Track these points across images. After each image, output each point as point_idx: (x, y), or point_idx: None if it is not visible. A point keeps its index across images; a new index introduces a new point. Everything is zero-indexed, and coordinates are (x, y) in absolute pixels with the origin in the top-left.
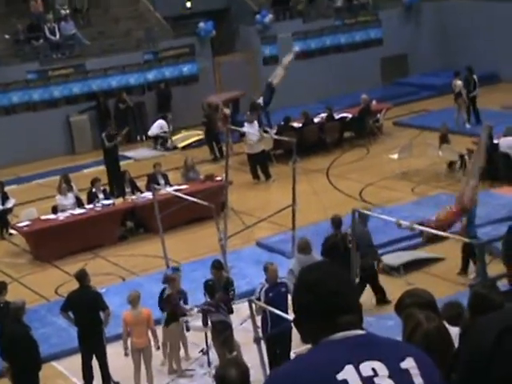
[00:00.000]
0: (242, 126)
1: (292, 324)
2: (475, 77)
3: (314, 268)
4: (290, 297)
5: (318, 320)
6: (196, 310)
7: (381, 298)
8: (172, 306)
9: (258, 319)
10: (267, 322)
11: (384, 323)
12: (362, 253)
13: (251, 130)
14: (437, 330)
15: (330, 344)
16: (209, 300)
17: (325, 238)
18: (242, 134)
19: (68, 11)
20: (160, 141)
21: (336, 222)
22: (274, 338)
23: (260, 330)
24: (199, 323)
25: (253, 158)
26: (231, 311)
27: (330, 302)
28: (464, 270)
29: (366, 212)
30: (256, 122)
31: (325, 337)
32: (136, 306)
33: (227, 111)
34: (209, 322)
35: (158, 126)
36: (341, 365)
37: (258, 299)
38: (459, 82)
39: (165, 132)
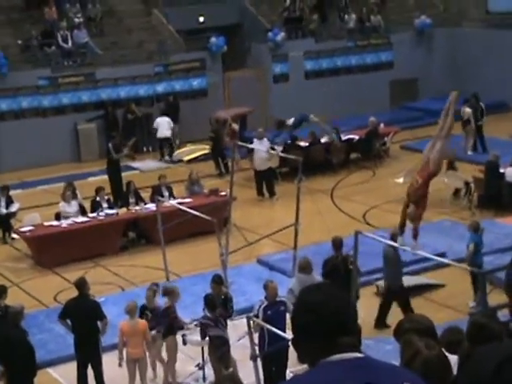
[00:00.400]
0: (250, 142)
1: (289, 343)
2: (482, 104)
3: (315, 289)
4: (288, 316)
5: (318, 340)
6: (194, 323)
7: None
8: (170, 319)
9: (256, 336)
10: (264, 340)
11: (382, 347)
12: (387, 274)
13: (261, 146)
14: (437, 357)
15: (328, 365)
16: (208, 314)
17: (325, 260)
18: (250, 150)
19: (81, 20)
20: (168, 150)
21: (337, 243)
22: (271, 356)
23: (257, 348)
24: (196, 337)
25: (260, 175)
26: (226, 326)
27: (330, 322)
28: None
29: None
30: (266, 139)
31: (323, 357)
32: (133, 317)
33: (235, 127)
34: (206, 337)
35: (167, 127)
36: None
37: (257, 316)
38: (468, 110)
39: (172, 130)
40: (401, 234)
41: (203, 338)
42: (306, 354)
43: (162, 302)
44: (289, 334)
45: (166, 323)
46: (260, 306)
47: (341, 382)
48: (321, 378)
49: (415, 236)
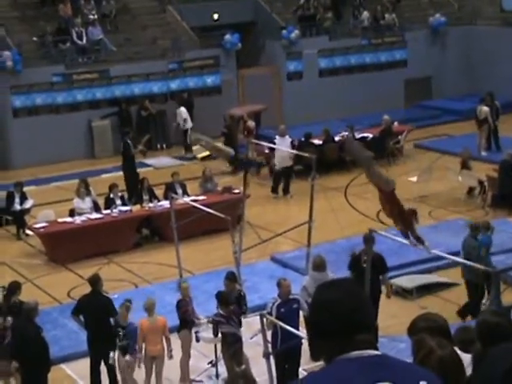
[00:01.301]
0: (264, 139)
1: (302, 340)
2: (497, 103)
3: (330, 286)
4: (301, 313)
5: (333, 338)
6: (206, 320)
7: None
8: (181, 313)
9: (269, 334)
10: (277, 338)
11: (396, 345)
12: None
13: (283, 143)
14: (450, 357)
15: (344, 362)
16: (220, 311)
17: (352, 254)
18: (271, 148)
19: (96, 16)
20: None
21: (365, 238)
22: (284, 354)
23: (270, 345)
24: (209, 334)
25: (279, 172)
26: (240, 324)
27: (345, 320)
28: None
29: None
30: (288, 136)
31: (339, 355)
32: (152, 314)
33: (252, 124)
34: (219, 334)
35: (180, 117)
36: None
37: (270, 314)
38: (485, 108)
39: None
40: (406, 237)
41: (215, 334)
42: (322, 351)
43: (175, 297)
44: (302, 332)
45: (178, 316)
46: (273, 304)
47: (356, 378)
48: (336, 374)
49: (421, 241)
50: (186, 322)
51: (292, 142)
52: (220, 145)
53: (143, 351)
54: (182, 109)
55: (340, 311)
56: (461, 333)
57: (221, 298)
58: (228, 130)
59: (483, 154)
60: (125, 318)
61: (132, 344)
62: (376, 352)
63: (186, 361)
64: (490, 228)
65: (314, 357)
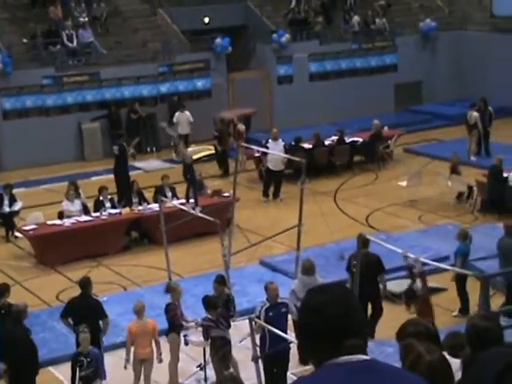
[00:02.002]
0: (254, 142)
1: (290, 344)
2: (491, 109)
3: (322, 290)
4: (290, 317)
5: (325, 342)
6: (195, 322)
7: None
8: (170, 316)
9: (258, 337)
10: (266, 341)
11: (384, 349)
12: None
13: (276, 147)
14: (439, 361)
15: (333, 367)
16: (208, 315)
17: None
18: (263, 152)
19: (87, 19)
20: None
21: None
22: (272, 358)
23: (258, 349)
24: (198, 338)
25: (272, 175)
26: (229, 326)
27: (336, 323)
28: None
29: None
30: (281, 140)
31: (329, 359)
32: (141, 317)
33: (242, 127)
34: (208, 338)
35: (187, 122)
36: None
37: (258, 317)
38: (475, 114)
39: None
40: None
41: (206, 338)
42: (312, 355)
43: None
44: (290, 336)
45: (167, 320)
46: (262, 308)
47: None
48: (325, 379)
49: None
50: (175, 325)
51: (284, 146)
52: (182, 148)
53: (132, 354)
54: (187, 113)
55: (329, 314)
56: (450, 338)
57: (208, 302)
58: (219, 134)
59: (472, 159)
60: (86, 346)
61: (101, 368)
62: (365, 357)
63: (175, 364)
64: (468, 237)
65: (304, 360)
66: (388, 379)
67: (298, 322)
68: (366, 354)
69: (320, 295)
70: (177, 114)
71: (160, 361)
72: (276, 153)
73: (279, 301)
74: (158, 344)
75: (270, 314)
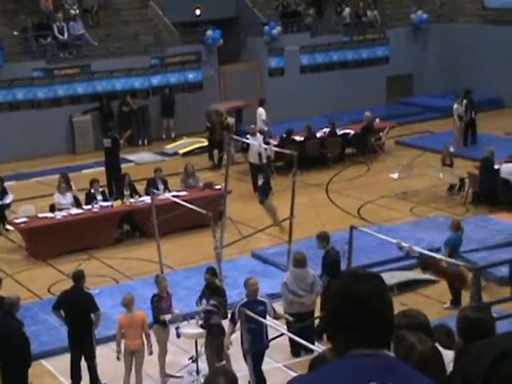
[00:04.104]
0: (246, 135)
1: (267, 343)
2: (473, 98)
3: (363, 278)
4: (268, 317)
5: (354, 334)
6: (202, 307)
7: None
8: (152, 308)
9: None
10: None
11: None
12: None
13: (255, 141)
14: (431, 352)
15: (357, 358)
16: (214, 302)
17: (327, 252)
18: (247, 144)
19: (77, 11)
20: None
21: (325, 237)
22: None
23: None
24: (190, 330)
25: (255, 169)
26: (226, 316)
27: (370, 319)
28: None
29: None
30: (259, 135)
31: (353, 350)
32: (131, 309)
33: (231, 120)
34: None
35: (259, 118)
36: (365, 382)
37: (233, 314)
38: (455, 106)
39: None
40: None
41: (206, 326)
42: (338, 344)
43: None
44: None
45: (152, 311)
46: (238, 303)
47: (367, 377)
48: (348, 369)
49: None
50: (157, 318)
51: (264, 140)
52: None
53: (122, 346)
54: (261, 109)
55: (365, 308)
56: (436, 330)
57: (214, 288)
58: (212, 126)
59: (452, 150)
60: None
61: None
62: (389, 353)
63: (162, 355)
64: (461, 228)
65: (335, 349)
66: (410, 380)
67: (328, 308)
68: (389, 349)
69: (358, 287)
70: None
71: (150, 353)
72: (255, 143)
73: (258, 298)
74: (147, 336)
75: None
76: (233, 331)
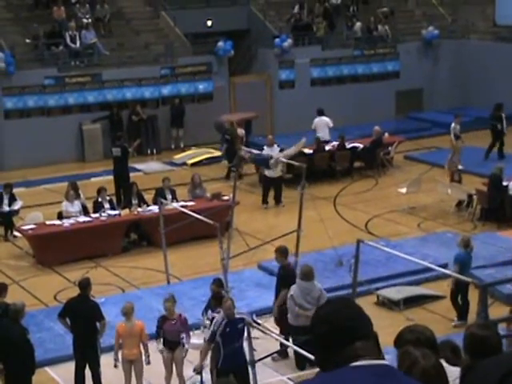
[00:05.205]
0: (255, 147)
1: (247, 360)
2: (503, 114)
3: (329, 302)
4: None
5: (335, 349)
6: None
7: None
8: (156, 328)
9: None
10: (220, 356)
11: None
12: None
13: (271, 153)
14: (434, 367)
15: (354, 368)
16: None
17: (283, 267)
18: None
19: (90, 20)
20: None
21: (285, 251)
22: (230, 371)
23: (255, 353)
24: (195, 341)
25: (269, 181)
26: None
27: (346, 328)
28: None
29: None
30: (276, 146)
31: (344, 364)
32: (130, 318)
33: (241, 132)
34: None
35: (325, 126)
36: None
37: (215, 333)
38: (453, 125)
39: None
40: None
41: (213, 339)
42: (328, 363)
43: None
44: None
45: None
46: (222, 321)
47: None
48: (347, 378)
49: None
50: (166, 340)
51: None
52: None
53: (120, 355)
54: (327, 118)
55: (339, 321)
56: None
57: (220, 299)
58: (230, 137)
59: (460, 167)
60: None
61: None
62: (384, 362)
63: (167, 376)
64: (470, 246)
65: (322, 370)
66: None
67: (311, 335)
68: (382, 357)
69: (327, 306)
70: (316, 119)
71: (148, 362)
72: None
73: (237, 316)
74: (145, 346)
75: (228, 329)
76: (208, 352)
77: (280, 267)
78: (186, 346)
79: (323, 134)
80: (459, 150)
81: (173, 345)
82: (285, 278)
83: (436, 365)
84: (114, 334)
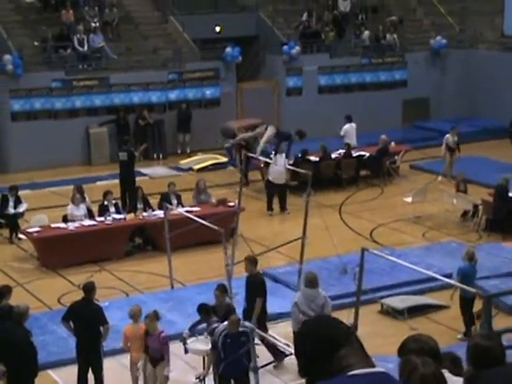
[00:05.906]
0: (261, 153)
1: (247, 365)
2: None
3: (305, 322)
4: (250, 346)
5: (326, 358)
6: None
7: None
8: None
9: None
10: (219, 366)
11: (384, 365)
12: None
13: (278, 160)
14: (432, 375)
15: (351, 377)
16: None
17: (252, 276)
18: (267, 163)
19: (98, 24)
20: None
21: (254, 261)
22: (231, 379)
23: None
24: (198, 346)
25: (274, 188)
26: None
27: (330, 338)
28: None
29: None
30: (284, 154)
31: (333, 373)
32: (137, 321)
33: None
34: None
35: (354, 132)
36: None
37: (216, 342)
38: (447, 136)
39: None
40: None
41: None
42: (321, 375)
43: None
44: (248, 362)
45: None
46: (222, 332)
47: None
48: None
49: None
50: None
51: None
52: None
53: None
54: (354, 125)
55: (318, 334)
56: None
57: (204, 310)
58: (246, 143)
59: (439, 179)
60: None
61: None
62: (381, 369)
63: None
64: (474, 259)
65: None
66: None
67: (297, 354)
68: (371, 362)
69: (305, 325)
70: (346, 126)
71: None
72: (279, 165)
73: (241, 329)
74: (147, 349)
75: (228, 340)
76: (212, 361)
77: (249, 275)
78: (166, 371)
79: (353, 141)
80: (451, 162)
81: (154, 361)
82: (255, 285)
83: (436, 373)
84: (117, 338)
